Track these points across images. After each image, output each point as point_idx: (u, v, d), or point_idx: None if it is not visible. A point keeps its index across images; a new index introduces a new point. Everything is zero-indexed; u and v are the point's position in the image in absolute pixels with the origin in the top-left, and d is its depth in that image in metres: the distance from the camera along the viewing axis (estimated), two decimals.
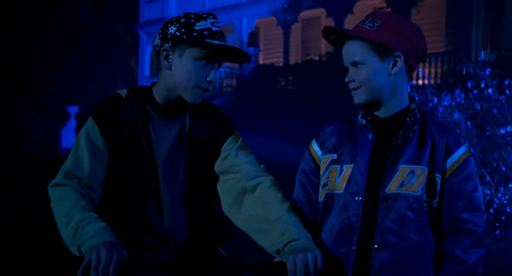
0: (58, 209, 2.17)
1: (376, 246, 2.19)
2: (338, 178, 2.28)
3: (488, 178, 8.66)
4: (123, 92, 2.36)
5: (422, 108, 2.29)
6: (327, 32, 2.27)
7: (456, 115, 8.74)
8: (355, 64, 2.20)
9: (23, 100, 10.37)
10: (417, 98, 9.17)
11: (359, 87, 2.21)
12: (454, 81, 9.97)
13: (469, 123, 8.82)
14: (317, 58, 22.55)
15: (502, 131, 8.56)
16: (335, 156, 2.31)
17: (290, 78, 22.41)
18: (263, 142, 17.11)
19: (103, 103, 2.33)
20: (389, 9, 20.42)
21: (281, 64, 24.39)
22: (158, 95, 2.33)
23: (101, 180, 2.28)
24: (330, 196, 2.30)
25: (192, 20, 2.25)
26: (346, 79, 2.23)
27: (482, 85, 8.79)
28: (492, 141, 8.84)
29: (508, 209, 7.82)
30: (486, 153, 8.85)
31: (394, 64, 2.18)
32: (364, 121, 2.27)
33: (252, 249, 2.23)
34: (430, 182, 2.19)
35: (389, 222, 2.19)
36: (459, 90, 9.06)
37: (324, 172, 2.33)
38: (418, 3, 19.78)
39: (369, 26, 2.18)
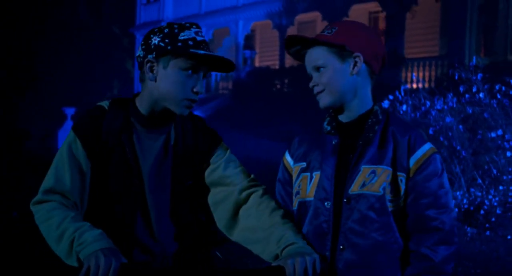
0: (47, 225, 2.13)
1: (341, 247, 2.20)
2: (309, 185, 2.28)
3: (480, 181, 8.85)
4: (105, 104, 2.30)
5: (386, 109, 2.32)
6: (289, 45, 2.33)
7: (448, 119, 8.92)
8: (317, 68, 2.24)
9: (23, 100, 10.43)
10: (410, 102, 9.35)
11: (323, 90, 2.24)
12: (446, 86, 10.15)
13: (461, 126, 9.01)
14: None
15: (493, 134, 8.74)
16: (304, 164, 2.33)
17: (286, 80, 22.51)
18: (260, 144, 17.24)
19: (83, 116, 2.28)
20: (384, 13, 20.61)
21: (277, 67, 24.49)
22: (142, 106, 2.27)
23: (84, 195, 2.22)
24: (302, 204, 2.31)
25: (176, 30, 2.20)
26: (310, 84, 2.27)
27: (474, 90, 8.96)
28: (483, 144, 9.01)
29: (498, 211, 7.98)
30: (478, 156, 9.02)
31: (355, 65, 2.22)
32: (329, 128, 2.30)
33: (249, 252, 2.26)
34: (394, 181, 2.19)
35: (351, 222, 2.19)
36: (451, 94, 9.24)
37: (296, 180, 2.35)
38: (412, 8, 19.92)
39: (327, 33, 2.24)
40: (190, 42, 2.17)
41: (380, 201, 2.18)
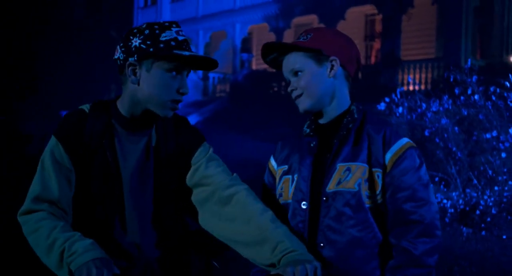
0: (35, 236, 2.07)
1: (321, 244, 2.21)
2: (290, 187, 2.31)
3: (475, 181, 8.94)
4: (85, 107, 2.24)
5: (363, 109, 2.33)
6: (265, 53, 2.37)
7: (444, 121, 9.01)
8: (295, 73, 2.28)
9: (23, 102, 10.46)
10: (406, 104, 9.45)
11: (301, 94, 2.27)
12: (442, 88, 10.24)
13: (456, 128, 9.10)
14: None
15: (488, 135, 8.82)
16: (286, 167, 2.36)
17: (283, 83, 22.53)
18: (257, 146, 17.30)
19: (64, 120, 2.22)
20: (380, 16, 20.71)
21: (274, 70, 24.51)
22: (124, 108, 2.21)
23: (70, 202, 2.17)
24: (285, 206, 2.32)
25: (157, 31, 2.12)
26: (289, 88, 2.30)
27: (469, 92, 9.06)
28: (478, 146, 9.10)
29: (493, 211, 8.07)
30: (473, 157, 9.11)
31: (331, 68, 2.25)
32: (308, 130, 2.34)
33: (246, 260, 2.19)
34: (371, 178, 2.20)
35: (328, 219, 2.20)
36: (446, 96, 9.34)
37: (278, 183, 2.38)
38: (409, 10, 20.03)
39: (303, 39, 2.29)
40: (173, 43, 2.12)
41: (356, 197, 2.19)
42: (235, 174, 2.28)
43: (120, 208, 2.18)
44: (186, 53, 2.12)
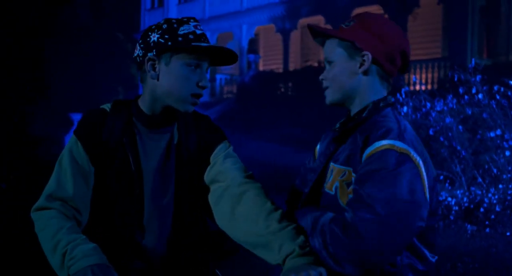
0: (43, 234, 2.04)
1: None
2: None
3: (480, 179, 8.99)
4: (106, 106, 2.22)
5: (383, 106, 2.08)
6: (312, 34, 2.21)
7: (448, 120, 9.07)
8: (329, 62, 2.14)
9: (33, 104, 10.56)
10: (411, 104, 9.52)
11: (328, 86, 2.14)
12: (448, 87, 10.31)
13: (460, 127, 9.15)
14: (316, 64, 22.81)
15: (492, 134, 8.86)
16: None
17: (290, 84, 22.63)
18: (263, 147, 17.36)
19: (85, 118, 2.19)
20: (385, 16, 20.73)
21: (280, 71, 24.62)
22: (145, 106, 2.18)
23: (87, 201, 2.13)
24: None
25: (175, 25, 2.11)
26: (320, 77, 2.17)
27: (473, 91, 9.12)
28: (483, 144, 9.14)
29: (497, 208, 8.11)
30: (478, 156, 9.16)
31: (362, 63, 2.07)
32: (337, 124, 2.18)
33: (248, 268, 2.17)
34: (350, 182, 2.00)
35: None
36: (451, 95, 9.40)
37: None
38: (414, 10, 20.05)
39: (345, 25, 2.12)
40: (191, 36, 2.09)
41: (333, 201, 2.04)
42: (250, 172, 2.20)
43: (140, 208, 2.15)
44: (205, 44, 2.09)
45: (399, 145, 1.91)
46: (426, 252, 2.03)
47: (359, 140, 2.01)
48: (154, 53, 2.10)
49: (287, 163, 15.02)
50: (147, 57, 2.12)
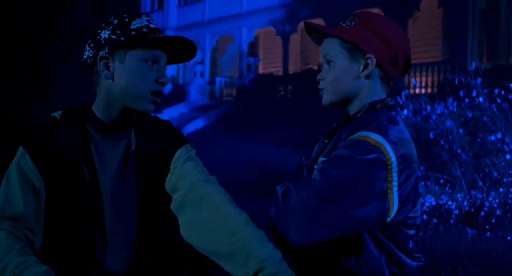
0: None
1: None
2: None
3: (480, 183, 8.98)
4: (57, 114, 2.03)
5: (380, 108, 2.00)
6: (308, 30, 2.10)
7: (448, 123, 9.05)
8: (327, 61, 2.03)
9: (33, 105, 10.50)
10: (411, 107, 9.51)
11: (326, 87, 2.04)
12: (447, 90, 10.30)
13: (461, 130, 9.14)
14: (315, 67, 22.82)
15: (493, 137, 8.86)
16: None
17: (290, 87, 22.65)
18: (262, 150, 17.36)
19: (33, 128, 2.00)
20: None
21: (280, 74, 24.64)
22: (99, 111, 1.99)
23: (40, 219, 1.94)
24: None
25: (127, 20, 1.95)
26: (318, 76, 2.06)
27: (474, 94, 9.11)
28: (483, 148, 9.13)
29: (498, 212, 8.10)
30: (478, 159, 9.15)
31: (365, 67, 1.96)
32: (335, 125, 2.10)
33: None
34: None
35: None
36: (451, 98, 9.39)
37: None
38: (415, 13, 20.08)
39: (347, 25, 2.00)
40: (145, 30, 1.93)
41: None
42: (213, 176, 2.01)
43: (100, 223, 1.96)
44: (160, 36, 1.94)
45: (376, 137, 1.85)
46: (403, 256, 1.93)
47: (344, 134, 1.96)
48: (107, 50, 1.92)
49: (286, 165, 15.02)
50: (99, 56, 1.93)
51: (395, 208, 1.85)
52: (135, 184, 1.99)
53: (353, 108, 2.02)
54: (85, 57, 1.98)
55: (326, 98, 2.05)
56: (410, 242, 1.99)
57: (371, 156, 1.82)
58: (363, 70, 1.97)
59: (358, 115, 1.98)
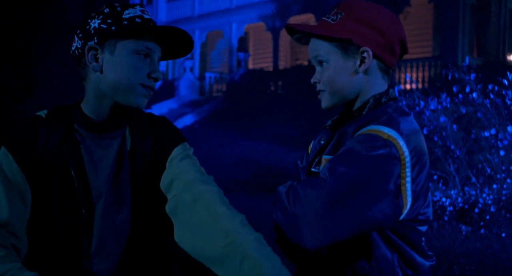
0: None
1: None
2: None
3: (474, 179, 8.93)
4: (42, 113, 1.88)
5: (385, 101, 1.88)
6: (289, 31, 1.96)
7: (442, 119, 9.00)
8: (319, 62, 1.89)
9: (20, 103, 10.36)
10: (404, 102, 9.44)
11: (324, 90, 1.89)
12: (440, 86, 10.26)
13: (454, 126, 9.09)
14: (306, 63, 22.78)
15: (487, 134, 8.82)
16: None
17: (280, 82, 22.61)
18: (254, 146, 17.29)
19: (17, 127, 1.85)
20: None
21: (270, 69, 24.58)
22: (88, 108, 1.85)
23: (26, 224, 1.80)
24: None
25: (119, 9, 1.80)
26: (312, 80, 1.92)
27: (467, 90, 9.05)
28: (477, 144, 9.10)
29: (492, 209, 8.06)
30: (472, 155, 9.11)
31: (362, 62, 1.83)
32: (329, 122, 2.01)
33: None
34: None
35: None
36: (445, 94, 9.34)
37: None
38: (405, 9, 20.05)
39: (332, 19, 1.86)
40: (138, 20, 1.79)
41: None
42: (210, 176, 1.88)
43: (89, 230, 1.82)
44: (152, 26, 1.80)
45: (387, 131, 1.73)
46: (416, 256, 1.83)
47: (350, 131, 1.82)
48: (96, 40, 1.77)
49: (277, 162, 14.99)
50: (87, 47, 1.78)
51: (409, 205, 1.75)
52: (129, 187, 1.85)
53: (355, 105, 1.90)
54: (73, 48, 1.84)
55: (326, 102, 1.91)
56: (423, 239, 1.88)
57: (383, 151, 1.70)
58: (360, 65, 1.83)
59: (364, 112, 1.84)
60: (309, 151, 2.10)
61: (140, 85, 1.79)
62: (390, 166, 1.70)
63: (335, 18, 1.85)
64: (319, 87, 1.90)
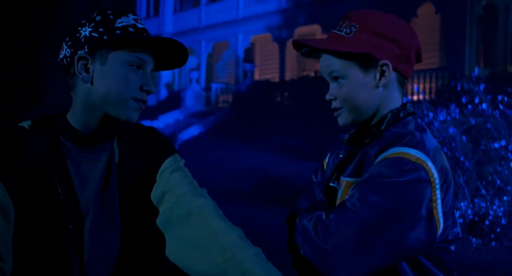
0: None
1: None
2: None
3: (484, 191, 8.84)
4: (26, 124, 1.79)
5: (404, 116, 1.81)
6: (297, 46, 1.88)
7: (451, 130, 8.93)
8: (334, 78, 1.80)
9: (25, 110, 10.34)
10: None
11: (341, 107, 1.81)
12: (449, 97, 10.19)
13: (464, 137, 9.02)
14: (312, 74, 22.73)
15: (496, 145, 8.75)
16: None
17: (286, 93, 22.57)
18: (259, 157, 17.24)
19: None
20: None
21: (277, 80, 24.56)
22: (75, 120, 1.76)
23: (9, 243, 1.70)
24: None
25: (111, 17, 1.72)
26: (327, 96, 1.84)
27: (476, 100, 8.99)
28: (486, 155, 9.01)
29: (503, 221, 7.97)
30: (481, 167, 9.03)
31: (382, 75, 1.76)
32: (346, 135, 1.93)
33: None
34: None
35: None
36: (454, 105, 9.27)
37: None
38: (412, 20, 20.01)
39: (345, 33, 1.78)
40: (131, 29, 1.71)
41: None
42: (203, 189, 1.81)
43: (78, 247, 1.73)
44: (147, 37, 1.73)
45: (415, 153, 1.65)
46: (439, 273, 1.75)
47: (372, 151, 1.74)
48: (86, 50, 1.69)
49: (283, 173, 14.93)
50: (77, 56, 1.70)
51: (441, 228, 1.67)
52: (118, 201, 1.77)
53: (373, 120, 1.82)
54: (61, 56, 1.75)
55: (344, 120, 1.82)
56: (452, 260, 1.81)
57: (413, 175, 1.63)
58: (380, 79, 1.76)
59: (382, 127, 1.77)
60: (325, 166, 2.02)
61: (132, 99, 1.71)
62: (421, 190, 1.63)
63: (348, 31, 1.78)
64: (335, 104, 1.82)
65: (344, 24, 1.79)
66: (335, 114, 1.84)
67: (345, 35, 1.77)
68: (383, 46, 1.74)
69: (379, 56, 1.74)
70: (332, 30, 1.82)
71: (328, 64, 1.79)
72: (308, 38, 1.86)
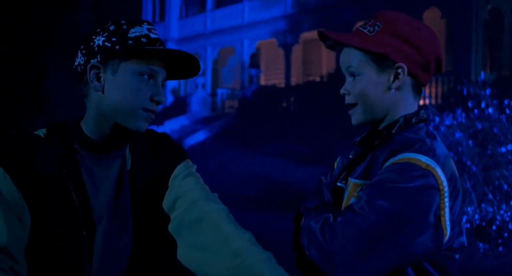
0: None
1: None
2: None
3: (491, 196, 8.80)
4: (41, 132, 1.81)
5: (416, 122, 1.81)
6: (322, 38, 1.91)
7: (458, 134, 8.90)
8: (351, 73, 1.83)
9: (32, 118, 10.38)
10: None
11: (356, 104, 1.83)
12: (455, 101, 10.17)
13: (470, 142, 8.99)
14: (318, 79, 22.74)
15: (503, 149, 8.71)
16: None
17: (292, 99, 22.57)
18: (264, 162, 17.22)
19: (13, 145, 1.76)
20: None
21: (282, 85, 24.57)
22: (88, 127, 1.79)
23: (24, 247, 1.72)
24: None
25: (125, 27, 1.74)
26: (342, 90, 1.86)
27: (483, 105, 8.96)
28: (493, 160, 8.98)
29: (510, 226, 7.93)
30: (488, 171, 8.99)
31: (395, 77, 1.77)
32: (358, 138, 1.94)
33: None
34: None
35: None
36: (460, 109, 9.24)
37: None
38: None
39: (368, 31, 1.80)
40: (144, 40, 1.73)
41: None
42: (215, 194, 1.84)
43: (90, 252, 1.76)
44: (159, 48, 1.75)
45: (425, 160, 1.66)
46: None
47: (381, 155, 1.75)
48: (99, 59, 1.72)
49: (288, 178, 14.92)
50: (89, 65, 1.73)
51: (448, 235, 1.67)
52: (130, 208, 1.80)
53: (384, 123, 1.83)
54: (76, 64, 1.79)
55: (357, 118, 1.84)
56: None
57: (422, 181, 1.63)
58: (393, 81, 1.77)
59: (393, 131, 1.78)
60: (335, 167, 2.03)
61: (141, 109, 1.73)
62: (430, 197, 1.64)
63: (372, 29, 1.80)
64: (348, 99, 1.84)
65: (370, 22, 1.82)
66: (350, 112, 1.85)
67: (367, 33, 1.80)
68: (402, 49, 1.76)
69: (396, 58, 1.75)
70: (358, 27, 1.85)
71: (346, 59, 1.82)
72: (330, 33, 1.86)
